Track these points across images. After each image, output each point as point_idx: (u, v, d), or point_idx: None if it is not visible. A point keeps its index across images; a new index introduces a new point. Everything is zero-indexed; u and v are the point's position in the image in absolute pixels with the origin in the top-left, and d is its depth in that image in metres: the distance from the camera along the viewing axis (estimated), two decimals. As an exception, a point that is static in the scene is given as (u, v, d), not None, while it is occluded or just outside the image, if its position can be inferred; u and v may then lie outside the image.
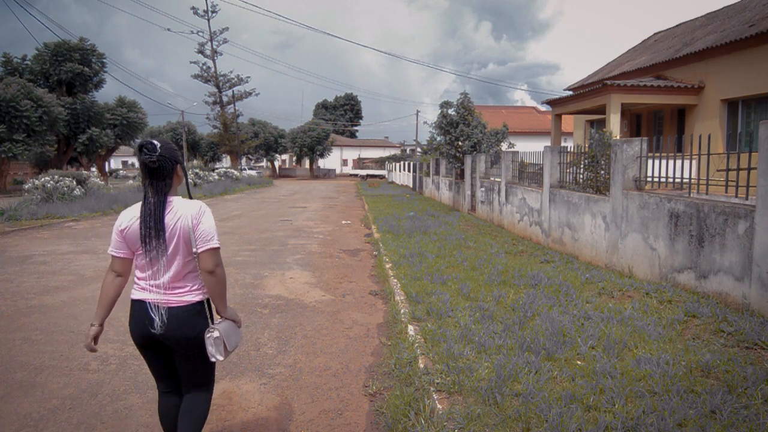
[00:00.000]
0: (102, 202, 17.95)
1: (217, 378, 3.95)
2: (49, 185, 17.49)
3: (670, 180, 6.68)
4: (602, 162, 7.98)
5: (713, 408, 3.08)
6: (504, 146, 17.97)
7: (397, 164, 43.45)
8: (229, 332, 2.61)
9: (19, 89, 25.09)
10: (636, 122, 18.48)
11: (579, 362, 3.93)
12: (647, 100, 15.25)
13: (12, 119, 24.81)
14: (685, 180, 6.32)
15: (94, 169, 39.22)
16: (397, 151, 67.35)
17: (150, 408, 3.57)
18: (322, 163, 66.41)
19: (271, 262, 8.92)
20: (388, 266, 7.99)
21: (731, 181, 5.58)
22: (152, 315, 2.51)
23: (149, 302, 2.53)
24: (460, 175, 17.84)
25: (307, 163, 62.34)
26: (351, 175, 61.71)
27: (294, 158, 68.01)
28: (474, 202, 15.66)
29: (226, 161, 52.24)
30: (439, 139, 19.13)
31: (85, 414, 3.49)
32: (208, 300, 2.64)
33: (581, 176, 8.81)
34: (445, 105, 17.72)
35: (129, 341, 4.88)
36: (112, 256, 2.62)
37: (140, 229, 2.49)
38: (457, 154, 17.50)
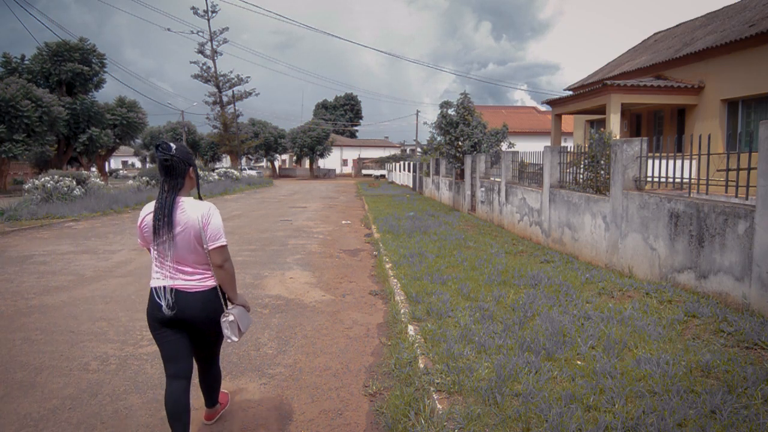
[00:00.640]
0: (102, 202, 17.94)
1: None
2: (49, 185, 17.48)
3: (670, 180, 6.68)
4: (602, 162, 7.98)
5: (713, 408, 3.08)
6: (504, 146, 17.97)
7: (397, 164, 43.45)
8: (241, 316, 2.99)
9: (18, 89, 25.09)
10: (636, 122, 18.48)
11: (579, 362, 3.93)
12: (647, 100, 15.25)
13: (12, 119, 24.80)
14: (685, 180, 6.32)
15: (94, 169, 39.24)
16: (397, 151, 67.35)
17: (150, 408, 3.57)
18: (322, 163, 66.40)
19: (271, 262, 8.92)
20: (388, 266, 7.99)
21: (731, 181, 5.58)
22: (162, 298, 2.80)
23: (163, 288, 2.82)
24: (460, 175, 17.84)
25: (307, 163, 62.34)
26: (366, 175, 61.73)
27: (294, 158, 68.01)
28: (474, 202, 15.66)
29: (226, 161, 52.27)
30: (439, 139, 19.13)
31: (85, 414, 3.49)
32: (219, 286, 2.96)
33: (581, 176, 8.81)
34: (445, 105, 17.72)
35: (129, 341, 4.89)
36: (141, 244, 2.98)
37: (153, 221, 2.78)
38: (457, 154, 17.50)
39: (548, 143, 22.35)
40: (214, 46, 42.92)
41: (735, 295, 5.06)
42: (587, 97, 16.21)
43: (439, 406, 3.33)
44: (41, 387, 3.92)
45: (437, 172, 22.59)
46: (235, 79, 44.61)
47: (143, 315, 5.68)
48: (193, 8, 41.33)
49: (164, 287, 2.81)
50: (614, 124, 14.50)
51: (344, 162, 72.22)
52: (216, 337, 3.05)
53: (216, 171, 36.01)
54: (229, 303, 3.05)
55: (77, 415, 3.47)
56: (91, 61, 31.95)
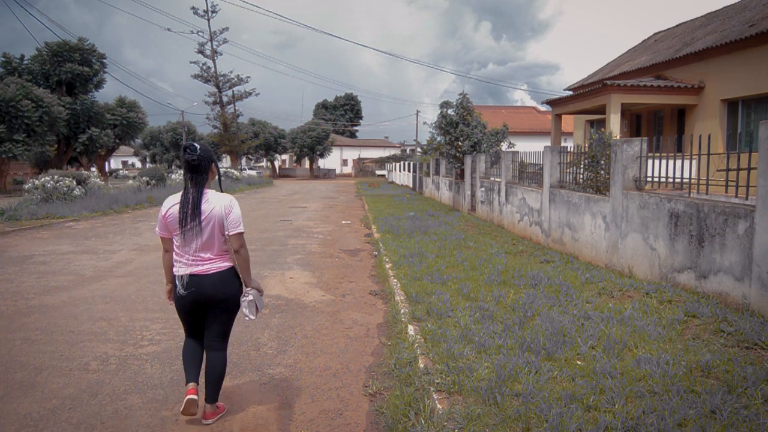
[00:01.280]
0: (102, 202, 17.94)
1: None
2: (49, 185, 17.48)
3: (670, 180, 6.68)
4: (602, 162, 7.98)
5: (713, 408, 3.08)
6: (504, 146, 17.97)
7: (397, 164, 43.45)
8: (257, 297, 3.38)
9: (19, 89, 25.09)
10: (636, 122, 18.48)
11: (579, 362, 3.93)
12: (647, 100, 15.25)
13: (12, 119, 24.80)
14: (685, 180, 6.32)
15: (94, 169, 39.25)
16: (397, 151, 67.34)
17: (150, 408, 3.57)
18: (322, 163, 66.39)
19: (271, 262, 8.92)
20: (388, 266, 7.99)
21: (731, 181, 5.58)
22: (193, 283, 3.16)
23: (191, 274, 3.17)
24: (460, 175, 17.84)
25: (307, 163, 62.33)
26: (380, 175, 61.38)
27: (294, 158, 68.00)
28: (474, 202, 15.66)
29: (226, 161, 52.26)
30: (439, 139, 19.13)
31: (85, 414, 3.49)
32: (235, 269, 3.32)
33: (581, 176, 8.81)
34: (445, 105, 17.73)
35: (129, 341, 4.89)
36: (161, 237, 3.29)
37: (179, 213, 3.12)
38: (457, 154, 17.50)
39: (548, 143, 22.34)
40: (214, 46, 42.93)
41: (735, 295, 5.06)
42: (587, 97, 16.21)
43: (439, 406, 3.33)
44: (41, 387, 3.92)
45: (437, 172, 22.59)
46: (235, 79, 44.63)
47: (143, 315, 5.69)
48: (193, 8, 41.34)
49: (185, 275, 3.17)
50: (614, 124, 14.50)
51: (344, 162, 72.20)
52: (230, 315, 3.34)
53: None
54: (244, 286, 3.36)
55: (77, 415, 3.47)
56: (91, 61, 31.95)
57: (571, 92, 21.04)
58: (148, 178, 24.74)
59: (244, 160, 58.79)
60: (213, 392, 3.36)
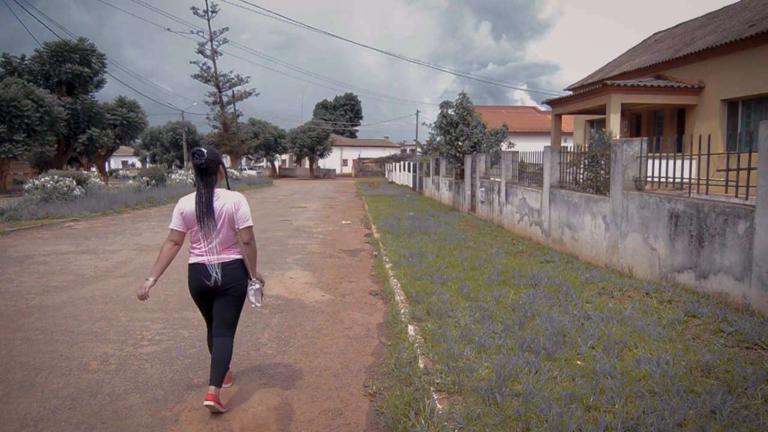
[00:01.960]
0: (102, 202, 17.94)
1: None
2: (49, 185, 17.48)
3: (670, 180, 6.68)
4: (602, 162, 7.98)
5: (713, 408, 3.08)
6: (504, 146, 17.97)
7: (397, 164, 43.43)
8: (261, 287, 3.68)
9: (19, 89, 25.09)
10: (636, 122, 18.48)
11: (579, 362, 3.93)
12: (647, 100, 15.25)
13: (12, 119, 24.80)
14: (685, 180, 6.32)
15: (94, 169, 39.23)
16: (397, 151, 67.33)
17: (150, 408, 3.57)
18: (322, 163, 66.38)
19: (271, 262, 8.92)
20: (388, 266, 7.99)
21: (731, 181, 5.58)
22: (210, 271, 3.47)
23: (206, 263, 3.49)
24: (460, 175, 17.84)
25: (307, 163, 62.32)
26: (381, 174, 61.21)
27: (294, 158, 67.99)
28: (474, 202, 15.66)
29: (226, 161, 52.30)
30: (439, 139, 19.14)
31: (85, 414, 3.49)
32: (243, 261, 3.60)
33: (581, 176, 8.81)
34: (445, 105, 17.73)
35: (129, 341, 4.89)
36: (172, 229, 3.54)
37: (196, 211, 3.44)
38: (457, 154, 17.50)
39: (548, 143, 22.35)
40: (214, 46, 42.94)
41: (735, 295, 5.06)
42: (587, 97, 16.21)
43: (439, 406, 3.33)
44: (41, 387, 3.92)
45: (437, 172, 22.59)
46: (235, 79, 44.64)
47: (143, 315, 5.69)
48: (193, 8, 41.35)
49: (206, 263, 3.49)
50: (614, 124, 14.50)
51: (344, 162, 72.19)
52: (236, 304, 3.61)
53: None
54: (250, 276, 3.64)
55: (77, 415, 3.47)
56: (90, 61, 31.94)
57: (571, 92, 21.05)
58: (148, 178, 24.74)
59: (244, 160, 58.77)
60: (217, 376, 3.47)
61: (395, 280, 6.97)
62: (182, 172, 31.54)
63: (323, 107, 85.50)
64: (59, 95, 30.07)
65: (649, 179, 7.02)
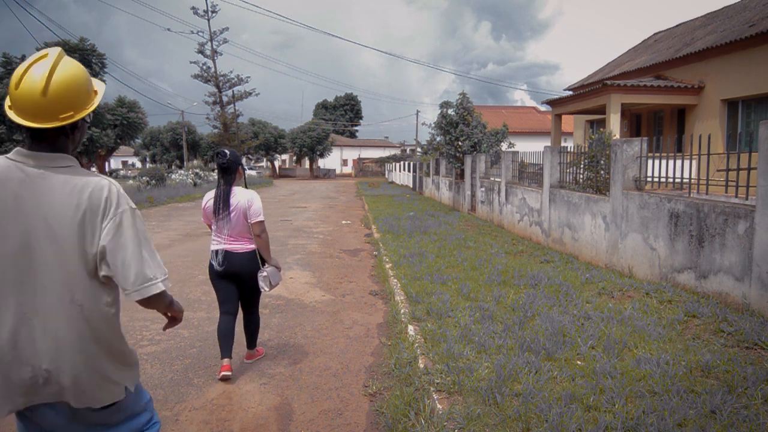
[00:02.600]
0: (102, 202, 17.91)
1: (216, 378, 4.04)
2: (49, 185, 17.45)
3: (670, 180, 6.68)
4: (602, 162, 7.99)
5: (713, 408, 3.08)
6: (504, 146, 17.97)
7: (397, 164, 43.42)
8: (273, 273, 4.05)
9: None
10: (636, 122, 18.48)
11: (579, 362, 3.93)
12: (647, 100, 15.25)
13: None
14: (685, 180, 6.32)
15: (94, 169, 39.20)
16: (397, 151, 67.28)
17: (150, 408, 3.57)
18: (322, 163, 66.36)
19: (271, 262, 8.91)
20: (388, 266, 7.99)
21: (731, 181, 5.58)
22: (224, 257, 3.97)
23: (222, 250, 3.97)
24: (460, 175, 17.84)
25: (307, 163, 62.29)
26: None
27: (294, 158, 67.97)
28: (474, 202, 15.66)
29: (226, 161, 52.09)
30: (439, 139, 19.13)
31: (85, 414, 3.49)
32: (257, 251, 4.08)
33: (581, 176, 8.81)
34: (445, 105, 17.73)
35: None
36: (204, 222, 4.17)
37: (214, 205, 3.96)
38: (457, 154, 17.50)
39: (548, 143, 22.34)
40: (214, 46, 42.86)
41: (735, 295, 5.06)
42: (587, 97, 16.21)
43: (439, 406, 3.33)
44: (41, 387, 3.91)
45: (437, 172, 22.59)
46: (235, 79, 44.53)
47: (143, 315, 5.68)
48: (193, 8, 41.28)
49: (219, 250, 3.98)
50: (614, 124, 14.49)
51: (344, 162, 72.17)
52: (255, 286, 4.08)
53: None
54: (265, 264, 4.08)
55: (77, 415, 3.47)
56: (90, 61, 31.93)
57: (571, 92, 21.04)
58: (148, 178, 24.74)
59: (244, 160, 58.55)
60: (251, 341, 4.35)
61: (395, 280, 6.97)
62: (182, 172, 31.56)
63: (323, 107, 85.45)
64: (59, 95, 30.03)
65: (649, 179, 7.01)
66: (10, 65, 30.66)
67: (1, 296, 1.65)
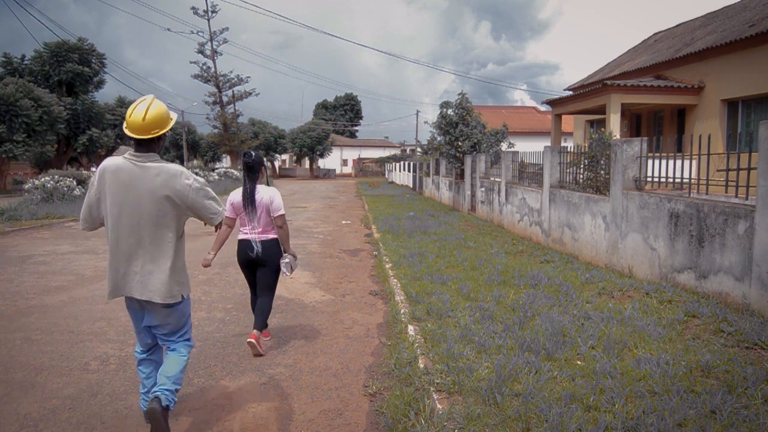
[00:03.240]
0: (102, 202, 17.91)
1: (216, 378, 4.05)
2: (49, 185, 17.48)
3: (670, 180, 6.68)
4: (602, 162, 7.99)
5: (713, 408, 3.08)
6: (504, 146, 17.98)
7: (397, 164, 43.42)
8: (292, 260, 4.70)
9: (18, 88, 25.08)
10: (636, 122, 18.48)
11: (579, 362, 3.93)
12: (647, 100, 15.26)
13: (12, 119, 24.80)
14: (685, 180, 6.32)
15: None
16: (397, 151, 67.28)
17: (150, 408, 3.57)
18: (322, 163, 66.35)
19: (271, 262, 8.91)
20: (388, 266, 7.99)
21: (731, 181, 5.58)
22: (253, 245, 4.57)
23: (251, 240, 4.57)
24: (460, 175, 17.84)
25: (307, 163, 62.28)
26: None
27: (294, 158, 67.96)
28: (474, 202, 15.66)
29: (226, 161, 52.18)
30: (439, 139, 19.13)
31: (85, 414, 3.49)
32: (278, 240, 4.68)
33: (581, 176, 8.81)
34: (445, 105, 17.72)
35: (129, 341, 4.89)
36: (226, 216, 4.52)
37: (242, 200, 4.53)
38: (457, 154, 17.50)
39: (548, 143, 22.33)
40: (214, 46, 42.86)
41: (735, 295, 5.06)
42: (587, 97, 16.21)
43: (439, 406, 3.33)
44: (41, 387, 3.92)
45: (437, 172, 22.59)
46: (235, 79, 44.52)
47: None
48: (193, 8, 41.28)
49: (248, 239, 4.57)
50: (614, 124, 14.50)
51: (344, 162, 72.16)
52: (273, 273, 4.67)
53: (216, 171, 35.98)
54: (284, 252, 4.68)
55: (77, 415, 3.47)
56: (90, 61, 31.96)
57: (571, 92, 21.05)
58: (148, 178, 24.66)
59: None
60: (260, 322, 4.61)
61: (395, 280, 6.97)
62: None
63: (323, 107, 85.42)
64: (59, 95, 30.08)
65: (649, 179, 7.02)
66: (10, 65, 30.67)
67: (124, 234, 2.96)
